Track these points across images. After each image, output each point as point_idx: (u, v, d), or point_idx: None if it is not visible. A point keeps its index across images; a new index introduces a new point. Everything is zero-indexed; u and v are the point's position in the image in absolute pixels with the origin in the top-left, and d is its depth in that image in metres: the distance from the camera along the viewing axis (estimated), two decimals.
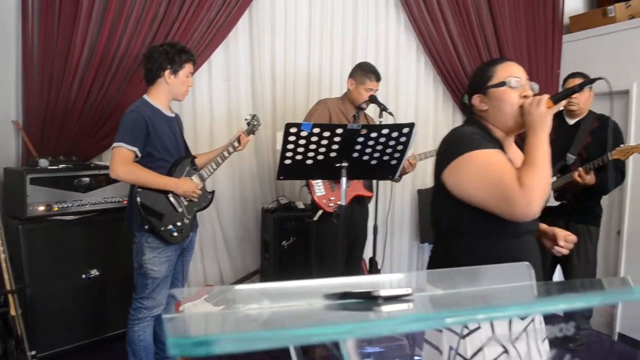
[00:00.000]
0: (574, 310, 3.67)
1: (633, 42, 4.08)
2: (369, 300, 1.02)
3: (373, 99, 3.26)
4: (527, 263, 1.21)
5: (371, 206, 3.57)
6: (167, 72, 2.62)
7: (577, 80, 3.22)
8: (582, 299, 0.71)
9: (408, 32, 4.28)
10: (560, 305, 0.71)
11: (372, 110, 3.64)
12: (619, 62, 4.16)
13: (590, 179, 3.23)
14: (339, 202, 3.00)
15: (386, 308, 0.98)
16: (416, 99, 4.36)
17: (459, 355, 1.55)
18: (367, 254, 3.58)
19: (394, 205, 4.33)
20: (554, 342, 1.75)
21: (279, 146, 2.44)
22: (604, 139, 3.31)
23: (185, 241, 2.76)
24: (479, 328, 1.55)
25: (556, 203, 3.44)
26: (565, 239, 1.73)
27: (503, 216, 1.54)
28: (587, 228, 3.48)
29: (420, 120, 4.33)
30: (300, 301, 1.04)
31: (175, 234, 2.63)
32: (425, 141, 4.30)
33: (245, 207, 4.04)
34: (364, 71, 3.31)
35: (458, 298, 0.93)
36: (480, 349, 1.54)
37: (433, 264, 1.79)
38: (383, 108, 3.19)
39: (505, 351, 1.56)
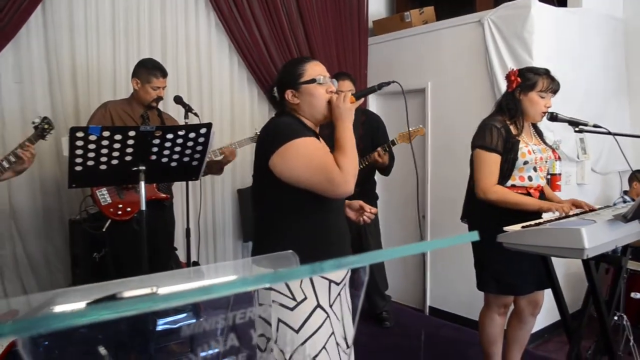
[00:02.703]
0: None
1: (427, 45, 4.51)
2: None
3: (178, 100, 3.18)
4: (291, 251, 1.29)
5: (181, 209, 3.49)
6: None
7: (347, 80, 3.61)
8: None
9: (219, 32, 4.25)
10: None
11: (176, 112, 3.55)
12: (416, 63, 4.58)
13: (386, 158, 3.60)
14: (128, 209, 2.88)
15: None
16: (231, 99, 4.35)
17: (289, 327, 1.70)
18: (187, 257, 3.50)
19: (215, 206, 4.30)
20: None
21: (65, 152, 2.27)
22: (374, 129, 3.82)
23: None
24: (305, 299, 1.73)
25: None
26: (370, 209, 2.05)
27: (326, 195, 1.77)
28: None
29: (237, 120, 4.34)
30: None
31: None
32: None
33: (50, 220, 3.69)
34: (148, 69, 3.17)
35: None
36: (307, 319, 1.72)
37: (260, 241, 1.94)
38: (188, 109, 3.13)
39: (328, 316, 1.77)
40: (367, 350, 3.63)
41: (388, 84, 1.98)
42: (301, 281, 1.73)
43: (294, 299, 1.71)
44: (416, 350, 3.67)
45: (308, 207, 1.82)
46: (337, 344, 1.78)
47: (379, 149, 3.59)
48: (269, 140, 1.82)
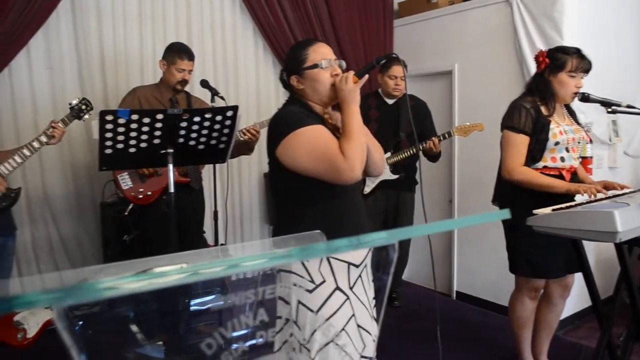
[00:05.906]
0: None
1: (454, 26, 4.42)
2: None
3: (204, 84, 3.19)
4: (319, 231, 1.28)
5: (208, 193, 3.52)
6: None
7: (399, 66, 3.59)
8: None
9: (244, 16, 4.25)
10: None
11: (203, 96, 3.56)
12: (443, 44, 4.49)
13: (440, 147, 3.61)
14: (149, 193, 2.92)
15: None
16: (257, 82, 4.36)
17: (307, 308, 1.71)
18: (215, 240, 3.54)
19: (242, 190, 4.34)
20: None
21: (95, 135, 2.31)
22: (422, 115, 3.81)
23: None
24: (324, 282, 1.74)
25: (393, 176, 3.73)
26: None
27: (332, 182, 1.76)
28: (411, 195, 3.95)
29: (262, 103, 4.35)
30: None
31: None
32: None
33: (82, 203, 3.78)
34: (174, 51, 3.22)
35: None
36: (326, 300, 1.72)
37: (280, 228, 1.94)
38: (214, 92, 3.14)
39: (348, 298, 1.77)
40: (391, 333, 3.64)
41: (386, 57, 1.99)
42: (319, 265, 1.74)
43: (312, 281, 1.72)
44: (442, 334, 3.67)
45: (319, 193, 1.83)
46: (359, 325, 1.78)
47: (433, 138, 3.56)
48: (275, 132, 1.84)
